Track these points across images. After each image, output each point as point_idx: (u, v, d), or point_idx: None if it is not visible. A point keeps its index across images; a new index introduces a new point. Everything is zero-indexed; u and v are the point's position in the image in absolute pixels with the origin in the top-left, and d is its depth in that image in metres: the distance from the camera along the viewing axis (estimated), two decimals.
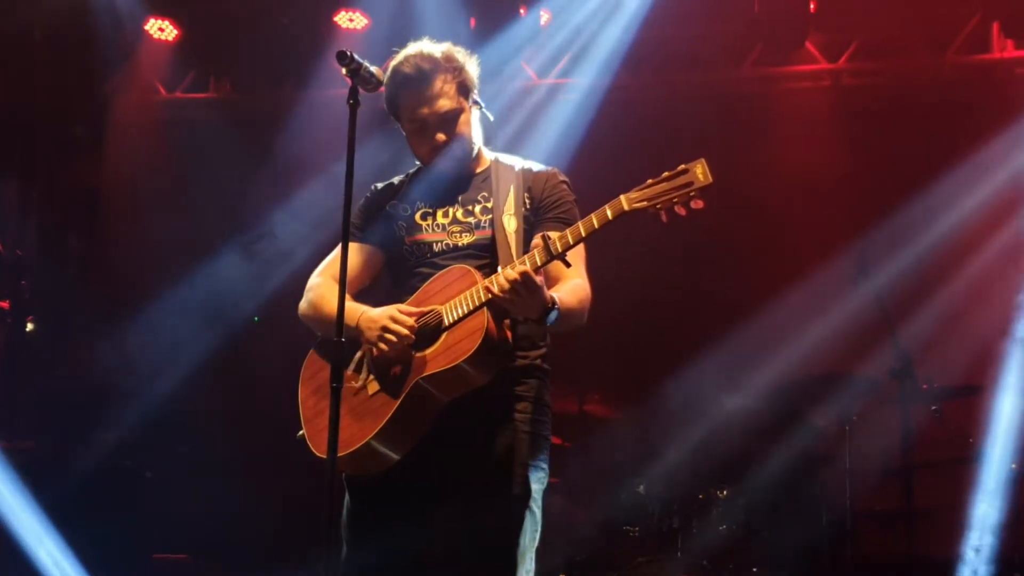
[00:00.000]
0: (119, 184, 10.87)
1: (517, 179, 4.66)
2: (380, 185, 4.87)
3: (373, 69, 4.39)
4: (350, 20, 10.14)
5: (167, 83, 11.06)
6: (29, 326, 10.38)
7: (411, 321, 4.38)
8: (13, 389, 9.82)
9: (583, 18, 9.73)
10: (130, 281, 10.53)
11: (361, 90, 4.37)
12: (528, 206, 4.62)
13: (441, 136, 4.63)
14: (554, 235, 4.22)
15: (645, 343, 9.60)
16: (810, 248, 9.19)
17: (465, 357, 4.26)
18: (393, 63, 4.71)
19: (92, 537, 8.69)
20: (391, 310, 4.42)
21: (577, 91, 9.99)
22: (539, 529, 4.53)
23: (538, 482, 4.52)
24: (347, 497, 4.58)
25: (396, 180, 4.87)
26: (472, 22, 9.66)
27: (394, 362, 4.41)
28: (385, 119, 4.78)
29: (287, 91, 10.56)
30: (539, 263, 4.20)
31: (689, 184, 4.11)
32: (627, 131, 9.76)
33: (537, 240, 4.23)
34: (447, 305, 4.36)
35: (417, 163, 4.82)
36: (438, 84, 4.61)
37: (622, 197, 4.17)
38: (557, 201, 4.65)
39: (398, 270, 4.72)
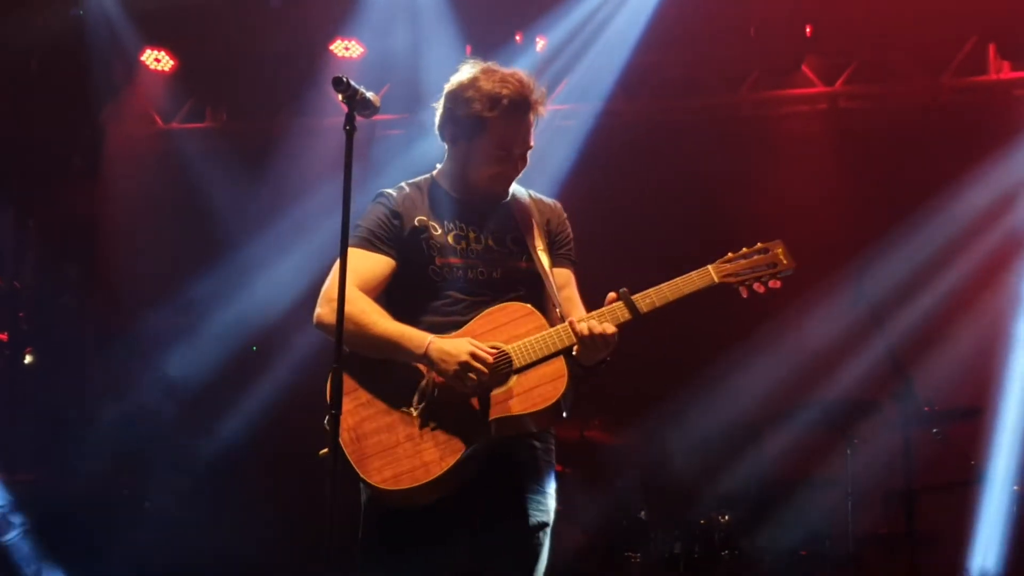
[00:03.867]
0: (116, 214, 10.85)
1: (534, 210, 4.65)
2: (394, 193, 4.65)
3: (369, 95, 4.30)
4: (346, 49, 10.14)
5: (163, 113, 11.06)
6: (28, 358, 10.36)
7: (492, 360, 4.29)
8: (12, 421, 9.78)
9: (579, 44, 9.73)
10: (128, 310, 10.51)
11: (357, 116, 4.30)
12: (547, 239, 4.64)
13: (516, 172, 4.61)
14: (638, 296, 4.33)
15: (644, 369, 9.56)
16: (808, 271, 9.12)
17: (549, 404, 4.26)
18: (487, 81, 4.54)
19: (91, 567, 8.67)
20: (467, 345, 4.29)
21: (574, 117, 9.98)
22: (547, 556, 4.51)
23: (552, 510, 4.51)
24: (363, 523, 4.52)
25: (408, 189, 4.68)
26: (468, 49, 9.63)
27: (464, 398, 4.32)
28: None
29: (283, 120, 10.57)
30: (621, 320, 4.32)
31: (774, 265, 4.44)
32: (624, 157, 9.76)
33: (612, 296, 4.34)
34: (515, 345, 4.31)
35: (430, 175, 4.71)
36: (531, 120, 4.56)
37: (711, 269, 4.40)
38: (566, 239, 4.70)
39: (418, 288, 4.55)
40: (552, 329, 4.31)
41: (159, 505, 9.78)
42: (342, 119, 4.30)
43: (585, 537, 8.67)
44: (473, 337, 4.36)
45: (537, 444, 4.50)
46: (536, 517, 4.44)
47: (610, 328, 4.25)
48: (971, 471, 8.18)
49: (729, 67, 10.01)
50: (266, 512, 9.50)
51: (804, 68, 9.86)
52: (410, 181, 4.72)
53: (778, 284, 4.41)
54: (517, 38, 9.77)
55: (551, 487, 4.53)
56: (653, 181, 9.66)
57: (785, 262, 4.44)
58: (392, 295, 4.59)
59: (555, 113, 10.11)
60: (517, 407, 4.27)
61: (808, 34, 9.58)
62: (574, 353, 4.30)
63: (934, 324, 8.90)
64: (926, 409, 7.88)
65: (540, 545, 4.45)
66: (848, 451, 8.15)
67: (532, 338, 4.31)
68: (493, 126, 4.51)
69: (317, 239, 9.01)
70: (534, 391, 4.27)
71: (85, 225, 10.94)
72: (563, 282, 4.60)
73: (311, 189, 9.71)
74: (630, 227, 9.29)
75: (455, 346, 4.29)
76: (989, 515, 8.17)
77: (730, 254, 4.41)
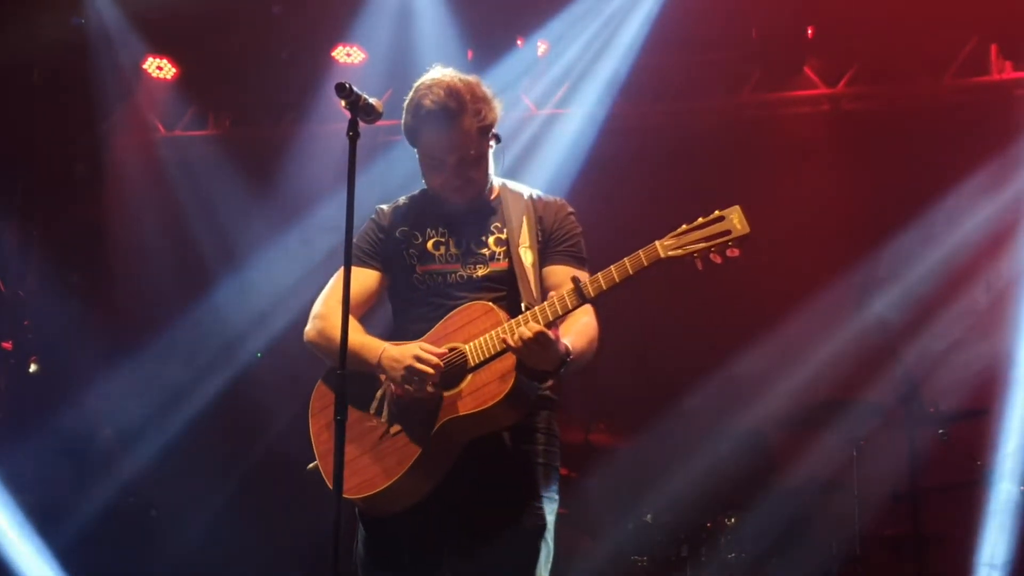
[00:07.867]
0: (119, 222, 10.85)
1: (528, 209, 4.61)
2: (386, 208, 4.75)
3: (372, 101, 4.32)
4: (347, 55, 10.15)
5: (166, 121, 11.06)
6: (33, 367, 10.35)
7: (437, 361, 4.29)
8: (17, 430, 9.77)
9: (580, 48, 9.73)
10: (132, 319, 10.51)
11: (360, 122, 4.32)
12: (539, 237, 4.58)
13: (459, 180, 4.55)
14: (586, 279, 4.20)
15: (650, 372, 9.56)
16: (812, 273, 9.16)
17: (497, 400, 4.21)
18: (417, 92, 4.56)
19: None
20: (415, 349, 4.32)
21: (575, 121, 9.97)
22: (551, 559, 4.49)
23: (551, 513, 4.49)
24: (361, 530, 4.54)
25: (401, 202, 4.77)
26: (469, 54, 9.64)
27: (418, 402, 4.33)
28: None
29: (286, 126, 10.58)
30: (570, 307, 4.18)
31: (727, 233, 4.13)
32: (626, 160, 9.75)
33: (567, 283, 4.20)
34: (471, 344, 4.30)
35: (424, 185, 4.75)
36: (463, 127, 4.47)
37: (657, 244, 4.16)
38: (567, 234, 4.63)
39: (405, 297, 4.62)
40: (501, 327, 4.27)
41: (166, 513, 9.80)
42: (345, 125, 4.32)
43: (591, 541, 8.66)
44: (435, 340, 4.38)
45: (528, 447, 4.48)
46: (530, 521, 4.42)
47: (527, 332, 4.12)
48: (977, 472, 8.16)
49: (731, 69, 9.99)
50: (266, 516, 9.52)
51: (806, 70, 9.84)
52: (407, 195, 4.80)
53: (736, 253, 4.14)
54: (518, 42, 9.77)
55: (549, 491, 4.51)
56: (655, 184, 9.65)
57: (739, 227, 4.12)
58: (392, 307, 4.69)
59: (556, 117, 10.13)
60: (468, 406, 4.26)
61: (810, 36, 9.57)
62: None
63: (939, 324, 8.89)
64: (932, 410, 7.89)
65: (535, 550, 4.42)
66: (854, 452, 8.15)
67: (487, 335, 4.28)
68: (419, 135, 4.56)
69: (319, 246, 9.04)
70: (484, 389, 4.24)
71: (89, 233, 10.93)
72: (560, 280, 4.48)
73: (315, 195, 9.72)
74: (632, 230, 9.26)
75: (402, 352, 4.33)
76: (996, 516, 8.15)
77: (683, 226, 4.17)
